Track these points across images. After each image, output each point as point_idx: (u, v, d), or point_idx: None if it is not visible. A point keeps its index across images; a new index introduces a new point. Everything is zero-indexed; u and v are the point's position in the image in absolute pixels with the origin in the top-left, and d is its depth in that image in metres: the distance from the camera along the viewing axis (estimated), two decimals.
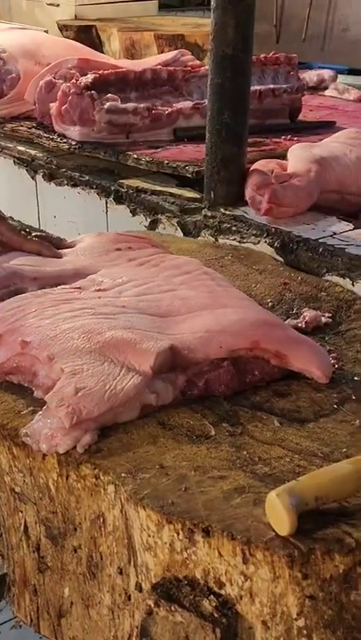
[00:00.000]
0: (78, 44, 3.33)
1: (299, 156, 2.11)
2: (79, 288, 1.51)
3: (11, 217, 1.84)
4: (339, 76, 3.73)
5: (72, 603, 1.25)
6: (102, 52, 3.77)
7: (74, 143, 2.56)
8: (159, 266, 1.64)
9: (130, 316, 1.40)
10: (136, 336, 1.32)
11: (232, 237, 1.97)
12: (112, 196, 2.28)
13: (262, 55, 2.81)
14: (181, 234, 2.08)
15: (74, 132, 2.55)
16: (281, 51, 2.92)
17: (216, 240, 2.00)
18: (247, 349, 1.36)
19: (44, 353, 1.28)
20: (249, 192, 2.01)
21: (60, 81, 2.65)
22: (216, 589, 1.05)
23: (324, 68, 3.81)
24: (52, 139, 2.62)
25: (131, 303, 1.45)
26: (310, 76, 3.56)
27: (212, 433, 1.23)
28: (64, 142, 2.59)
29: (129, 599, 1.16)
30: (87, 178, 2.36)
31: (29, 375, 1.32)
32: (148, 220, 2.18)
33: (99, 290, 1.51)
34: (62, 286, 1.53)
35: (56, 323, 1.35)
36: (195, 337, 1.35)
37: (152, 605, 1.05)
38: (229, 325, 1.37)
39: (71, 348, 1.29)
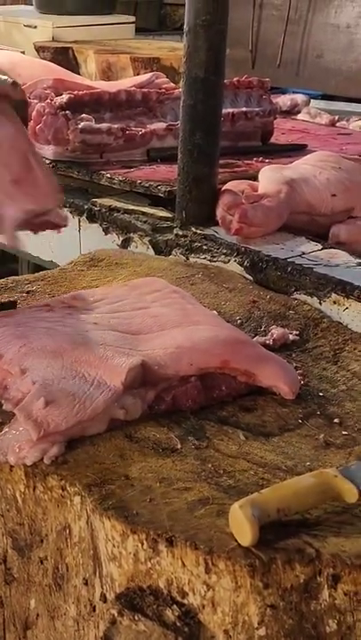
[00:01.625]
0: (54, 64, 3.36)
1: (269, 177, 2.15)
2: (47, 305, 1.53)
3: None
4: (312, 100, 3.78)
5: (38, 614, 1.26)
6: (79, 74, 3.80)
7: (48, 162, 2.58)
8: (128, 285, 1.66)
9: (102, 332, 1.42)
10: (108, 352, 1.34)
11: (203, 256, 2.00)
12: (85, 214, 2.30)
13: (236, 79, 2.85)
14: (153, 252, 2.10)
15: (48, 151, 2.57)
16: (256, 76, 2.96)
17: (187, 259, 2.02)
18: (217, 368, 1.38)
19: (17, 367, 1.30)
20: (220, 212, 2.04)
21: (35, 101, 2.67)
22: (179, 599, 1.06)
23: (298, 93, 3.87)
24: None
25: (103, 320, 1.47)
26: (284, 101, 3.61)
27: (179, 446, 1.25)
28: None
29: (94, 610, 1.17)
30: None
31: (0, 388, 1.33)
32: (121, 238, 2.20)
33: (70, 307, 1.53)
34: (31, 305, 1.55)
35: (29, 337, 1.37)
36: (165, 353, 1.37)
37: (116, 615, 1.06)
38: (200, 343, 1.39)
39: (43, 363, 1.31)
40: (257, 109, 2.80)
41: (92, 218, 2.28)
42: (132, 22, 4.97)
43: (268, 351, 1.48)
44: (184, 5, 2.01)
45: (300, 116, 3.46)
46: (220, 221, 2.05)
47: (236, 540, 1.04)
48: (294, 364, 1.52)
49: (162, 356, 1.36)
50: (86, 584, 1.17)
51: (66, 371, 1.30)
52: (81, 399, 1.25)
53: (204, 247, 2.01)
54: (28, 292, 1.75)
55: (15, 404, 1.28)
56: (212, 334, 1.43)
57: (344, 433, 1.32)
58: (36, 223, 1.51)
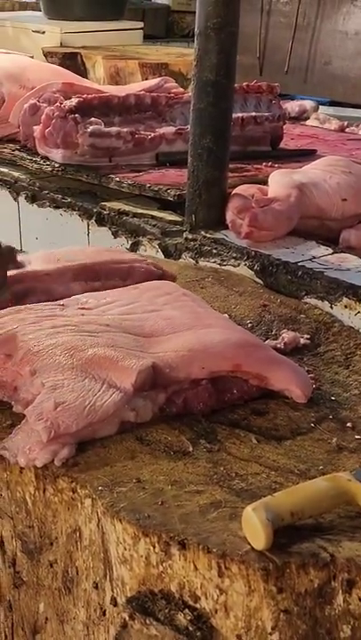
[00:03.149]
0: (63, 68, 3.36)
1: (279, 181, 2.14)
2: (62, 305, 1.52)
3: None
4: (320, 107, 3.78)
5: (47, 618, 1.24)
6: (87, 79, 3.80)
7: (57, 165, 2.58)
8: (139, 288, 1.65)
9: (113, 334, 1.41)
10: (118, 353, 1.33)
11: (212, 260, 1.99)
12: (94, 218, 2.29)
13: (245, 83, 2.85)
14: (162, 256, 2.09)
15: (57, 155, 2.57)
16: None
17: (197, 262, 2.02)
18: (229, 371, 1.37)
19: (27, 367, 1.29)
20: (230, 215, 2.03)
21: (45, 104, 2.67)
22: (191, 603, 1.05)
23: (306, 99, 3.86)
24: (36, 161, 2.64)
25: (114, 322, 1.46)
26: (292, 107, 3.61)
27: (190, 449, 1.24)
28: (47, 165, 2.60)
29: (104, 614, 1.15)
30: (69, 200, 2.38)
31: (10, 390, 1.32)
32: (130, 242, 2.19)
33: (82, 308, 1.52)
34: (45, 303, 1.54)
35: (39, 338, 1.36)
36: (177, 356, 1.35)
37: (127, 618, 1.05)
38: (212, 346, 1.38)
39: (53, 364, 1.30)
40: (266, 114, 2.79)
41: (100, 221, 2.27)
42: (141, 28, 4.97)
43: (280, 354, 1.47)
44: (191, 13, 2.01)
45: (308, 122, 3.46)
46: (229, 225, 2.04)
47: (250, 544, 1.03)
48: (306, 368, 1.51)
49: (173, 358, 1.35)
50: (97, 588, 1.16)
51: (76, 372, 1.29)
52: (91, 401, 1.24)
53: (214, 251, 2.00)
54: None
55: (25, 406, 1.27)
56: (223, 337, 1.42)
57: (357, 437, 1.31)
58: None
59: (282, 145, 2.89)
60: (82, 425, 1.21)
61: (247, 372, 1.38)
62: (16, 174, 2.60)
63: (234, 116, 2.33)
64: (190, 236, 2.06)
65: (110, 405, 1.25)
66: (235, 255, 1.96)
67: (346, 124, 3.35)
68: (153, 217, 2.19)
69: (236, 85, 2.28)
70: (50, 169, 2.58)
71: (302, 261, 1.89)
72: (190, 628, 1.03)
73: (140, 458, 1.21)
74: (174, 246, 2.08)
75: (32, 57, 3.74)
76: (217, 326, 1.46)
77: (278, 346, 1.57)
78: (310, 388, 1.41)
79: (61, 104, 2.56)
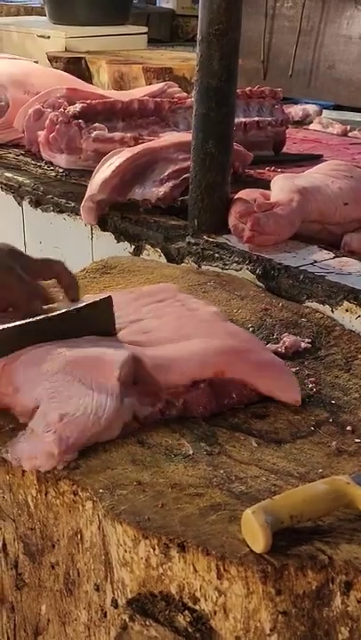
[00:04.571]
0: (67, 74, 3.38)
1: (281, 185, 2.15)
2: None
3: None
4: (324, 111, 3.79)
5: (49, 620, 1.26)
6: (91, 84, 3.82)
7: (61, 171, 2.59)
8: (134, 292, 1.66)
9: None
10: (95, 351, 1.34)
11: (215, 264, 2.00)
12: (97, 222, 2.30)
13: (248, 88, 2.86)
14: (165, 260, 2.10)
15: (61, 160, 2.59)
16: (268, 87, 2.97)
17: (199, 267, 2.03)
18: (211, 378, 1.37)
19: (9, 387, 1.30)
20: (232, 220, 2.05)
21: (49, 110, 2.69)
22: (191, 605, 1.06)
23: (309, 103, 3.88)
24: (40, 166, 2.66)
25: None
26: (296, 111, 3.62)
27: (190, 452, 1.25)
28: (51, 170, 2.62)
29: (105, 616, 1.17)
30: (73, 205, 2.39)
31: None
32: (133, 246, 2.20)
33: None
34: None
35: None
36: (156, 362, 1.36)
37: (127, 620, 1.06)
38: (191, 356, 1.39)
39: (37, 374, 1.31)
40: (269, 119, 2.81)
41: (104, 226, 2.28)
42: (145, 33, 4.99)
43: (269, 357, 1.47)
44: (196, 17, 2.02)
45: (311, 126, 3.47)
46: (232, 229, 2.05)
47: (249, 546, 1.04)
48: (306, 372, 1.52)
49: (154, 359, 1.36)
50: (98, 589, 1.17)
51: (61, 376, 1.29)
52: (93, 409, 1.25)
53: (216, 255, 2.01)
54: None
55: (27, 415, 1.28)
56: (204, 346, 1.42)
57: (357, 440, 1.31)
58: None
59: (284, 149, 2.90)
60: (89, 435, 1.23)
61: (231, 378, 1.39)
62: (20, 179, 2.62)
63: (236, 120, 2.35)
64: (193, 241, 2.07)
65: (111, 410, 1.25)
66: (237, 259, 1.97)
67: (349, 128, 3.37)
68: (156, 221, 2.20)
69: (238, 90, 2.30)
70: (54, 174, 2.60)
71: (304, 265, 1.90)
72: (190, 630, 1.04)
73: (140, 461, 1.22)
74: (177, 250, 2.09)
75: (37, 62, 3.77)
76: (199, 335, 1.45)
77: (279, 350, 1.58)
78: (297, 389, 1.41)
79: (65, 109, 2.58)
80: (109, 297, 1.47)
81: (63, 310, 1.44)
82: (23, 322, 1.38)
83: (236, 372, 1.39)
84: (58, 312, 1.43)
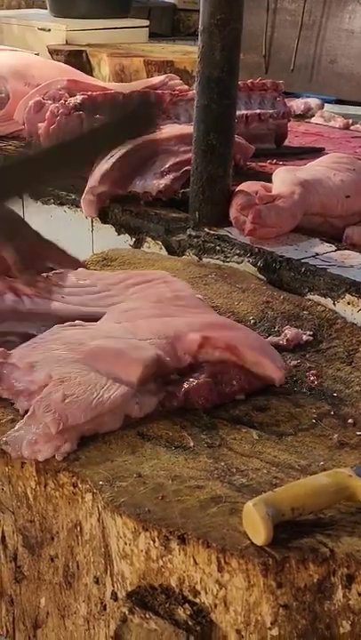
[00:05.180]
0: (67, 66, 3.36)
1: (283, 178, 2.14)
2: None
3: None
4: (326, 105, 3.77)
5: (48, 613, 1.25)
6: (92, 77, 3.80)
7: None
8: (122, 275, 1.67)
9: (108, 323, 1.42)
10: (121, 346, 1.33)
11: (216, 257, 1.99)
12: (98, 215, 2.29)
13: (249, 81, 2.84)
14: (166, 252, 2.09)
15: None
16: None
17: (200, 259, 2.01)
18: (198, 349, 1.37)
19: (25, 360, 1.29)
20: (233, 212, 2.03)
21: (49, 101, 2.67)
22: (191, 597, 1.05)
23: (311, 97, 3.86)
24: None
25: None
26: (297, 105, 3.61)
27: (191, 444, 1.24)
28: None
29: (104, 609, 1.16)
30: (73, 197, 2.38)
31: (8, 384, 1.33)
32: (133, 239, 2.19)
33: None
34: None
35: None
36: (166, 343, 1.36)
37: (127, 613, 1.05)
38: (178, 329, 1.39)
39: (53, 357, 1.30)
40: (271, 111, 2.79)
41: (104, 218, 2.27)
42: (146, 26, 4.97)
43: (253, 334, 1.48)
44: (197, 11, 2.00)
45: (313, 120, 3.45)
46: (233, 222, 2.04)
47: (250, 539, 1.03)
48: (308, 365, 1.51)
49: (165, 346, 1.36)
50: (97, 582, 1.16)
51: (80, 365, 1.29)
52: (99, 393, 1.24)
53: (218, 248, 2.00)
54: None
55: (28, 397, 1.27)
56: (187, 321, 1.43)
57: (358, 433, 1.31)
58: None
59: (286, 143, 2.89)
60: (89, 417, 1.22)
61: (216, 346, 1.38)
62: None
63: (238, 113, 2.34)
64: (194, 233, 2.06)
65: (118, 397, 1.25)
66: (238, 252, 1.96)
67: (351, 121, 3.35)
68: (156, 214, 2.19)
69: (240, 83, 2.29)
70: None
71: (305, 258, 1.89)
72: (190, 623, 1.03)
73: (140, 453, 1.21)
74: (178, 243, 2.08)
75: (37, 54, 3.75)
76: (180, 314, 1.47)
77: (281, 342, 1.57)
78: (282, 364, 1.42)
79: (66, 101, 2.56)
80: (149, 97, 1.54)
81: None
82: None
83: (220, 340, 1.38)
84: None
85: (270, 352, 1.43)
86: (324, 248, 1.96)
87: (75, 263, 1.57)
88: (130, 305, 1.51)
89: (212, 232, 2.04)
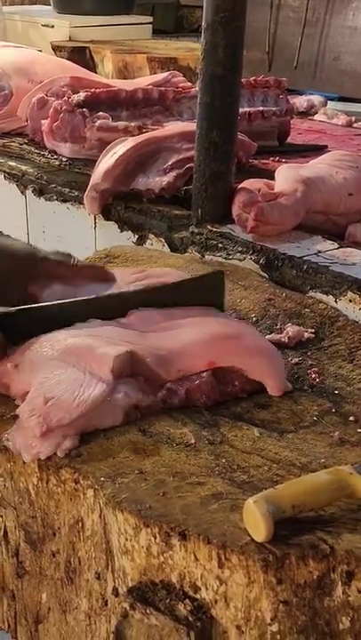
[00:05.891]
0: (70, 62, 3.36)
1: (286, 176, 2.14)
2: None
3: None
4: (329, 102, 3.77)
5: (49, 608, 1.25)
6: (95, 73, 3.80)
7: (64, 160, 2.59)
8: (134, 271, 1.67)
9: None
10: (95, 342, 1.34)
11: (218, 254, 1.99)
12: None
13: (252, 78, 2.85)
14: (168, 250, 2.09)
15: (65, 149, 2.58)
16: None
17: (203, 256, 2.02)
18: (204, 370, 1.37)
19: (9, 363, 1.30)
20: (236, 209, 2.04)
21: (52, 98, 2.68)
22: (191, 593, 1.05)
23: (314, 94, 3.86)
24: (43, 155, 2.65)
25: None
26: (300, 102, 3.61)
27: (192, 441, 1.25)
28: (55, 158, 2.62)
29: (106, 604, 1.16)
30: (77, 194, 2.38)
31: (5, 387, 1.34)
32: (136, 236, 2.20)
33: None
34: None
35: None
36: (155, 353, 1.36)
37: (127, 608, 1.06)
38: (183, 347, 1.38)
39: (35, 356, 1.32)
40: (274, 108, 2.80)
41: (107, 215, 2.27)
42: (150, 23, 4.97)
43: (262, 343, 1.47)
44: (201, 8, 2.01)
45: (316, 117, 3.46)
46: (235, 219, 2.04)
47: (250, 536, 1.04)
48: (310, 362, 1.51)
49: (152, 353, 1.36)
50: (98, 578, 1.17)
51: (58, 363, 1.30)
52: (79, 391, 1.25)
53: (220, 245, 2.00)
54: None
55: (21, 398, 1.28)
56: (194, 336, 1.41)
57: (359, 431, 1.31)
58: None
59: (289, 140, 2.89)
60: (74, 416, 1.22)
61: (222, 367, 1.38)
62: (24, 168, 2.61)
63: (241, 110, 2.34)
64: (196, 230, 2.06)
65: (97, 395, 1.25)
66: (240, 249, 1.96)
67: (354, 119, 3.35)
68: (159, 211, 2.20)
69: (243, 80, 2.29)
70: (57, 163, 2.59)
71: (308, 256, 1.89)
72: (190, 619, 1.04)
73: (142, 449, 1.22)
74: (180, 240, 2.08)
75: (41, 51, 3.75)
76: (188, 325, 1.45)
77: (282, 340, 1.58)
78: (283, 380, 1.41)
79: (69, 98, 2.57)
80: (221, 272, 1.56)
81: (177, 280, 1.53)
82: (138, 288, 1.49)
83: (227, 361, 1.38)
84: (173, 282, 1.51)
85: (274, 370, 1.42)
86: (327, 246, 1.96)
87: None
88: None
89: (214, 229, 2.04)
